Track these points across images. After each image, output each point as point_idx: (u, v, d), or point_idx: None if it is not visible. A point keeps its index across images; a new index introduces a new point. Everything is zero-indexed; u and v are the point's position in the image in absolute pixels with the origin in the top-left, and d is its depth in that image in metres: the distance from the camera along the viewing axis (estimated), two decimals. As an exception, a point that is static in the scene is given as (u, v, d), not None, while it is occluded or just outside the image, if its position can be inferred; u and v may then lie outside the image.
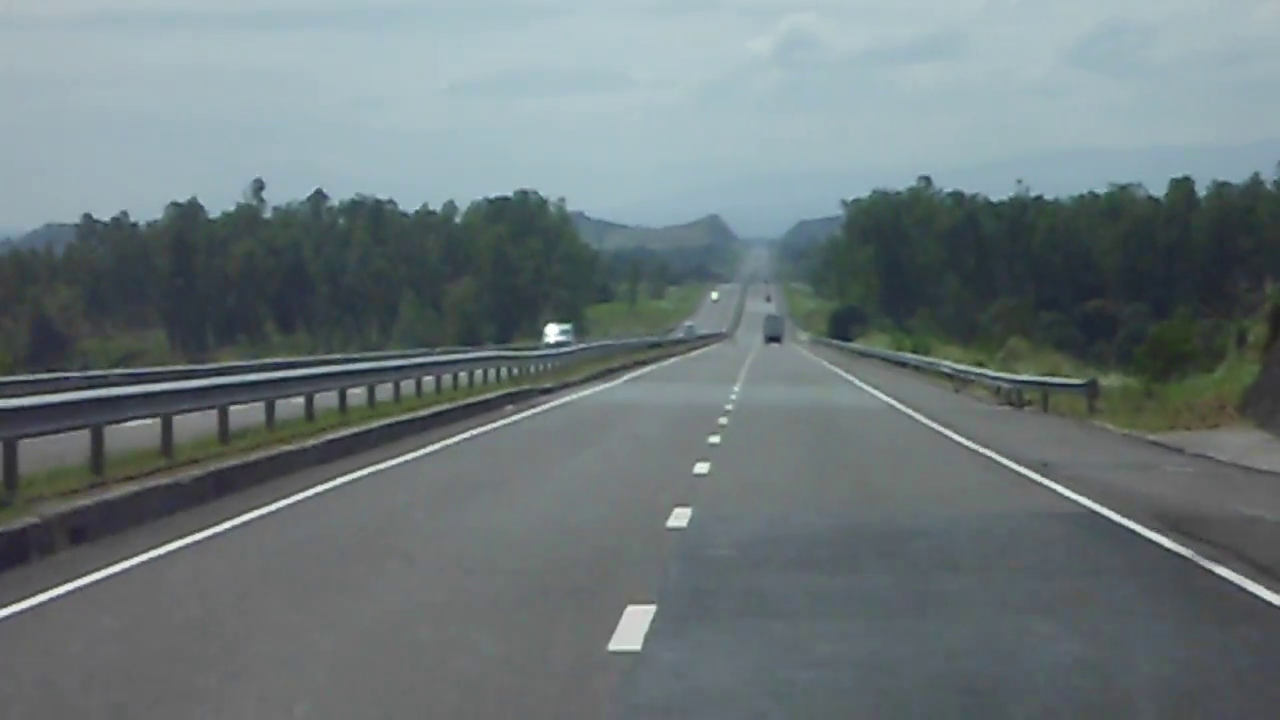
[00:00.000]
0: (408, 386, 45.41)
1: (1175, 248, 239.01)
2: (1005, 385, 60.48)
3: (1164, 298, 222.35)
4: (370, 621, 14.33)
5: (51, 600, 15.32)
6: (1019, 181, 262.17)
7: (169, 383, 28.04)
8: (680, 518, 21.50)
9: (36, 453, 22.03)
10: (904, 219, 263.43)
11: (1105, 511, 22.97)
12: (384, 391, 42.48)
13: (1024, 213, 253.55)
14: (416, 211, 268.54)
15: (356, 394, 39.38)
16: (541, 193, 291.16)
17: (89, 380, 38.87)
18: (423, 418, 39.58)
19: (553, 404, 53.58)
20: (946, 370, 79.44)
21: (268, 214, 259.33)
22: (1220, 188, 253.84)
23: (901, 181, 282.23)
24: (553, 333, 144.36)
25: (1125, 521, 21.78)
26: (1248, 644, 13.63)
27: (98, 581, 16.43)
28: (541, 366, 72.50)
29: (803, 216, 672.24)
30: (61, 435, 22.30)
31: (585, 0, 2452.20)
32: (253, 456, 26.50)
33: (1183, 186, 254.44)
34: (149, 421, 25.46)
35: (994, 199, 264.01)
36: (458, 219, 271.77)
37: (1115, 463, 32.54)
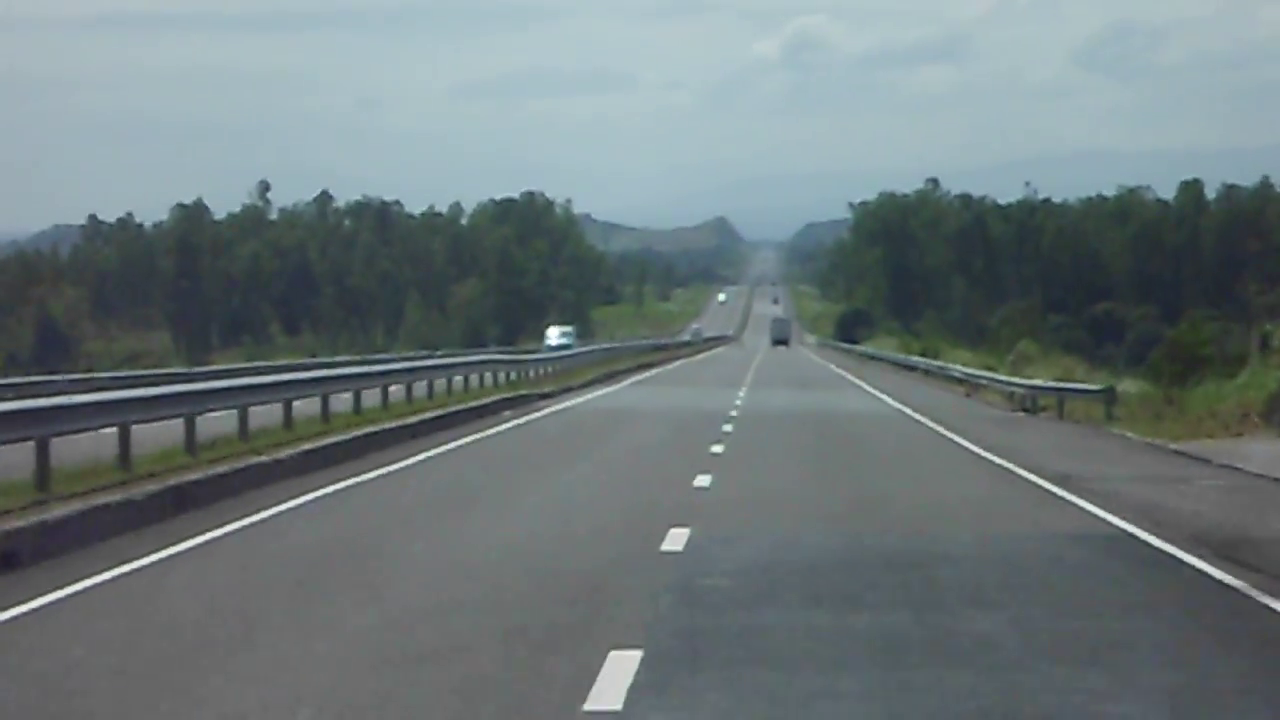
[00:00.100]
0: (400, 392, 43.71)
1: (1184, 250, 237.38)
2: (1019, 390, 58.53)
3: (1173, 301, 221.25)
4: (309, 670, 12.44)
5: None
6: (1027, 184, 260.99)
7: (128, 389, 26.09)
8: (676, 540, 19.70)
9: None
10: (911, 221, 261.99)
11: (1140, 533, 21.15)
12: (375, 398, 40.71)
13: (1032, 215, 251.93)
14: (422, 213, 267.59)
15: (344, 400, 37.65)
16: (548, 194, 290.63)
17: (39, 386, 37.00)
18: (411, 425, 37.76)
19: (551, 410, 51.72)
20: (957, 375, 77.56)
21: (273, 215, 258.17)
22: (1229, 190, 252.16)
23: (909, 184, 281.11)
24: (554, 335, 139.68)
25: (1164, 545, 19.94)
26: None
27: (15, 619, 14.61)
28: (542, 370, 70.56)
29: (810, 219, 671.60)
30: (6, 448, 20.58)
31: (592, 1, 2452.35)
32: (219, 469, 24.67)
33: (1192, 189, 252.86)
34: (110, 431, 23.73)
35: (1002, 201, 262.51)
36: (464, 220, 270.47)
37: (1140, 475, 30.71)
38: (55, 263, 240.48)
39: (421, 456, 32.24)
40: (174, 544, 19.14)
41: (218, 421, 28.85)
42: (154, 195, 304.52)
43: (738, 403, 56.98)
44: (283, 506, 23.14)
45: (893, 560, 18.37)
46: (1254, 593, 16.33)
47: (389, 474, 28.52)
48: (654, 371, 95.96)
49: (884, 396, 65.56)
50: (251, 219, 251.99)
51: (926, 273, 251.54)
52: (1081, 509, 24.23)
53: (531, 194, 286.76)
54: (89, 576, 16.68)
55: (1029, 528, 22.08)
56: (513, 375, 62.81)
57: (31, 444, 20.86)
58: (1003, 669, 12.48)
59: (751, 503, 24.49)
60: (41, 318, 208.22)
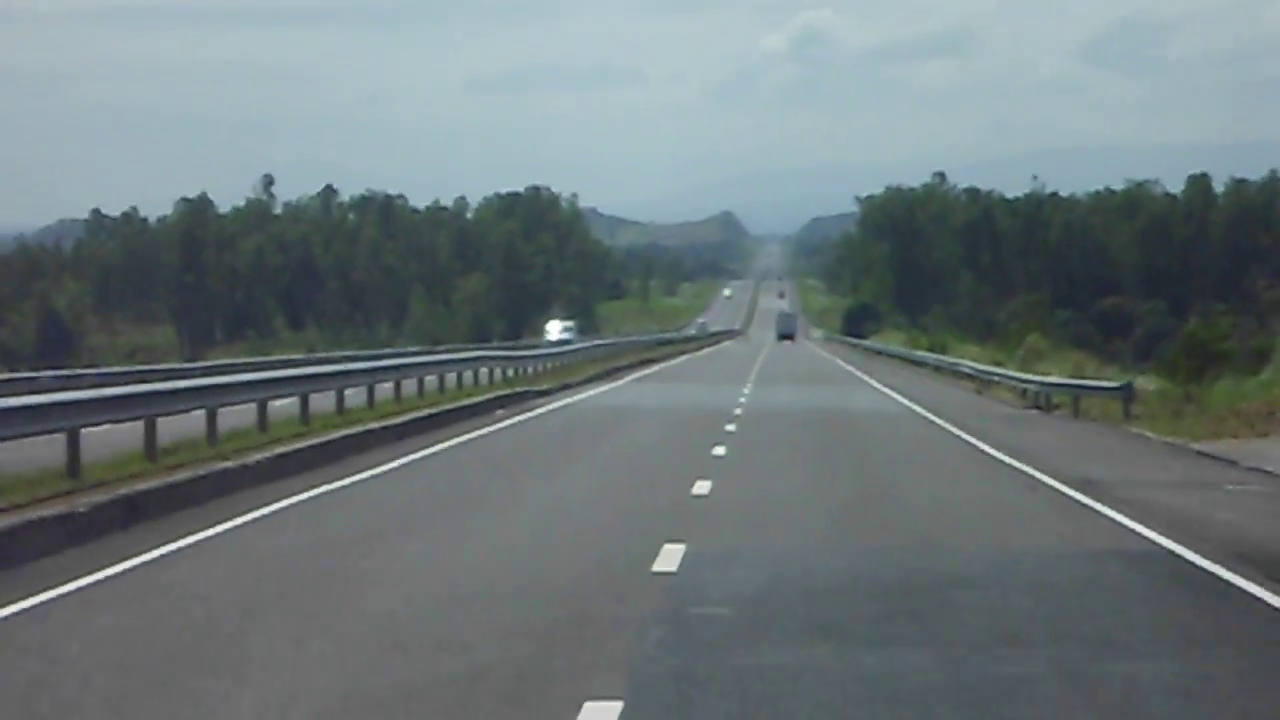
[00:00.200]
0: (391, 390, 41.76)
1: (1192, 244, 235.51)
2: (1033, 387, 56.52)
3: (1181, 295, 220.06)
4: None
5: None
6: (1035, 178, 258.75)
7: (81, 390, 24.16)
8: (670, 558, 17.80)
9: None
10: (918, 215, 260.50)
11: (1178, 549, 19.24)
12: (363, 397, 38.83)
13: (1040, 209, 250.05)
14: (427, 207, 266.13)
15: (331, 399, 35.82)
16: (553, 189, 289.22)
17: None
18: (397, 425, 35.79)
19: (548, 408, 49.78)
20: (967, 371, 75.57)
21: (278, 209, 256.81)
22: (1238, 184, 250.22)
23: (915, 178, 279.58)
24: (555, 329, 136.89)
25: (1207, 564, 18.00)
26: None
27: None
28: (541, 366, 68.55)
29: (816, 213, 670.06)
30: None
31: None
32: (178, 476, 22.75)
33: (1200, 183, 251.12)
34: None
35: (1009, 195, 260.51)
36: (469, 215, 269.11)
37: (1168, 480, 28.84)
38: (59, 257, 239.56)
39: (401, 461, 30.28)
40: (109, 565, 17.17)
41: (187, 423, 26.90)
42: (159, 189, 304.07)
43: (742, 400, 55.13)
44: (242, 519, 21.22)
45: (908, 583, 16.46)
46: (1319, 624, 14.46)
47: (361, 482, 26.47)
48: (657, 367, 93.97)
49: (892, 393, 63.65)
50: (255, 213, 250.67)
51: (933, 267, 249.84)
52: (1110, 520, 22.37)
53: (537, 188, 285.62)
54: (5, 605, 14.81)
55: (1056, 542, 20.17)
56: (509, 372, 60.74)
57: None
58: (1045, 727, 10.60)
59: (753, 513, 22.61)
60: (44, 312, 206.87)
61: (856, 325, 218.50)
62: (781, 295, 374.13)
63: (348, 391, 37.74)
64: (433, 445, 33.81)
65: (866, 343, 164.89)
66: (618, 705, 10.95)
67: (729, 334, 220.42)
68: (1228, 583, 16.91)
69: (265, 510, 22.22)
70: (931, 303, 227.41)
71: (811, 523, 21.69)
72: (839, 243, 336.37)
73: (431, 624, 14.21)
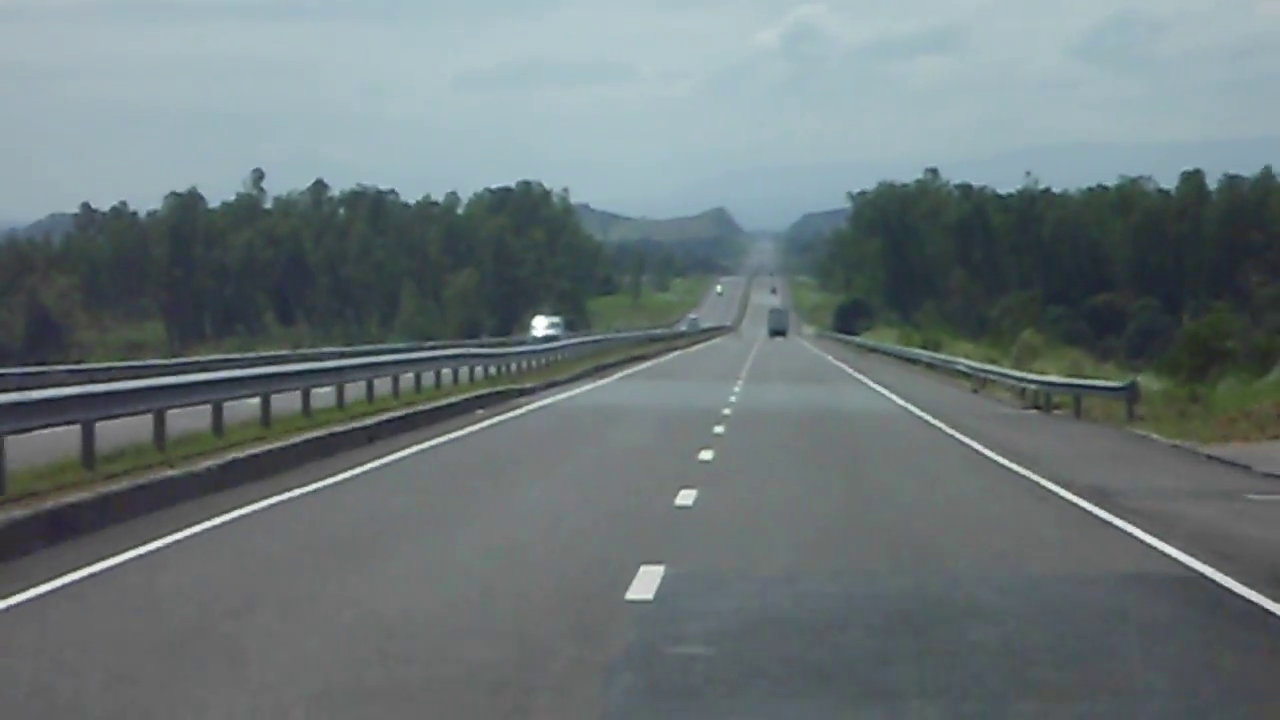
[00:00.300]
0: (368, 389, 39.71)
1: (1186, 241, 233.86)
2: (1032, 387, 54.65)
3: (1174, 292, 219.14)
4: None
5: None
6: (1028, 174, 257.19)
7: (8, 393, 22.16)
8: (647, 583, 15.95)
9: None
10: (911, 212, 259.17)
11: (1209, 572, 17.38)
12: (346, 396, 36.95)
13: (1032, 205, 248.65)
14: (418, 202, 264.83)
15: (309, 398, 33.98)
16: (545, 184, 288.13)
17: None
18: (367, 427, 33.77)
19: (530, 407, 47.84)
20: (963, 369, 73.73)
21: (268, 204, 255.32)
22: (1231, 181, 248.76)
23: (908, 175, 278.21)
24: (541, 325, 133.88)
25: (1245, 591, 16.12)
26: None
27: None
28: (526, 364, 66.57)
29: (808, 209, 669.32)
30: None
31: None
32: (113, 487, 20.78)
33: (1193, 179, 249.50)
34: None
35: (1002, 192, 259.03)
36: (460, 210, 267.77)
37: (1182, 488, 27.06)
38: (47, 251, 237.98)
39: (367, 466, 28.34)
40: (13, 594, 15.21)
41: (134, 427, 25.00)
42: (150, 184, 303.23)
43: (732, 399, 53.38)
44: (177, 536, 19.22)
45: (911, 615, 14.59)
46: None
47: (319, 490, 24.47)
48: (647, 364, 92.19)
49: (886, 392, 61.88)
50: (246, 208, 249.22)
51: (925, 263, 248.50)
52: (1127, 535, 20.56)
53: (528, 183, 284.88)
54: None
55: (1074, 564, 18.23)
56: (492, 369, 58.72)
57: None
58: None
59: (740, 528, 20.76)
60: (33, 307, 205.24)
61: (848, 322, 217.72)
62: (774, 291, 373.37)
63: (322, 391, 35.99)
64: (402, 449, 31.88)
65: (859, 339, 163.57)
66: (571, 779, 9.18)
67: (720, 330, 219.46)
68: (1268, 612, 15.09)
69: (210, 523, 20.32)
70: (923, 299, 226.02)
71: (803, 540, 19.84)
72: (831, 239, 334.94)
73: (357, 671, 12.28)
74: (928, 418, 45.57)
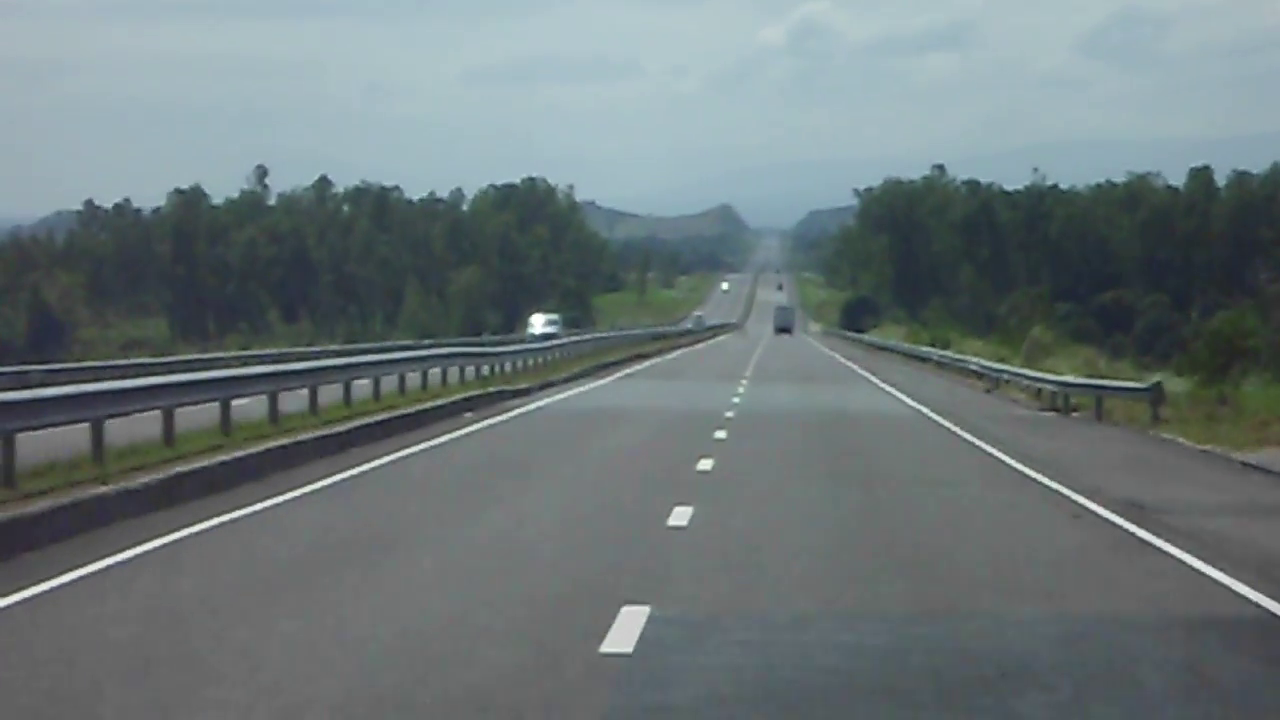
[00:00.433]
0: (345, 391, 37.19)
1: (1194, 238, 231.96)
2: (1049, 387, 52.68)
3: (1183, 288, 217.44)
4: None
5: None
6: (1035, 170, 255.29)
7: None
8: (628, 629, 13.63)
9: None
10: (918, 208, 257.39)
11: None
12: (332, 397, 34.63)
13: (1040, 202, 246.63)
14: (422, 199, 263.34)
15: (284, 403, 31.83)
16: (550, 180, 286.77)
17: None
18: (340, 434, 31.34)
19: (523, 409, 45.58)
20: (974, 368, 71.82)
21: (272, 201, 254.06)
22: (1240, 177, 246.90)
23: (914, 172, 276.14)
24: (539, 323, 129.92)
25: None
26: None
27: None
28: (521, 363, 64.36)
29: (815, 206, 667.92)
30: None
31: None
32: (34, 507, 18.50)
33: (1202, 175, 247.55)
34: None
35: (1009, 188, 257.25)
36: (464, 207, 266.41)
37: (1224, 502, 24.83)
38: (51, 248, 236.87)
39: (334, 479, 25.75)
40: None
41: (69, 437, 22.60)
42: (154, 181, 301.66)
43: (736, 400, 51.42)
44: (106, 561, 16.88)
45: (941, 675, 12.19)
46: None
47: (273, 508, 21.95)
48: (649, 363, 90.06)
49: (897, 393, 60.00)
50: (249, 204, 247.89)
51: (932, 260, 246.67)
52: (1179, 563, 18.20)
53: (533, 180, 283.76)
54: None
55: (1124, 602, 15.81)
56: (485, 369, 56.54)
57: None
58: None
59: (739, 556, 18.35)
60: (36, 304, 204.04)
61: (855, 319, 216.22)
62: (780, 288, 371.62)
63: (302, 394, 33.77)
64: (373, 460, 29.38)
65: (866, 337, 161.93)
66: None
67: (726, 328, 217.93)
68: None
69: (146, 546, 17.96)
70: (931, 296, 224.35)
71: (812, 571, 17.36)
72: (838, 236, 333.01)
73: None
74: (942, 420, 43.57)
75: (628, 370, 78.39)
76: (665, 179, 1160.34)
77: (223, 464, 24.48)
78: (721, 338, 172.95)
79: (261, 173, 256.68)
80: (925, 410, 48.45)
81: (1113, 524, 21.81)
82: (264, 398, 31.20)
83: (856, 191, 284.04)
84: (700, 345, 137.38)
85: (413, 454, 31.09)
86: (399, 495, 24.48)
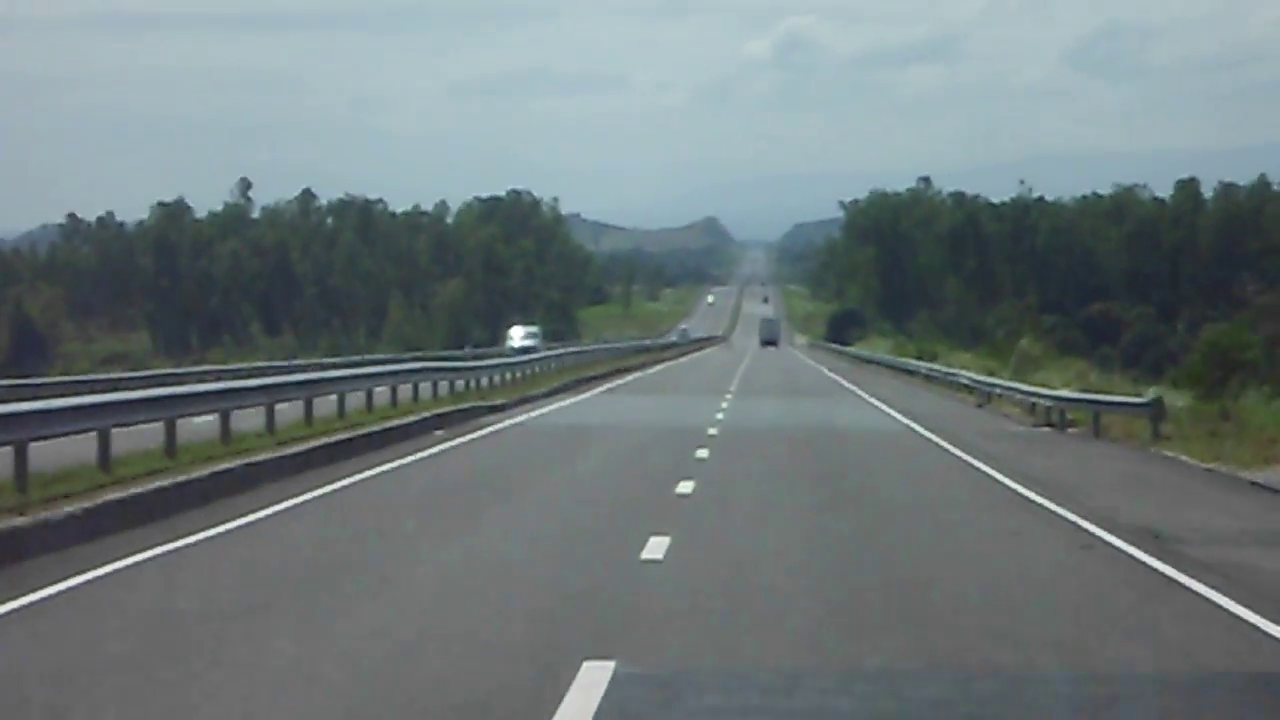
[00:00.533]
0: (306, 409, 35.20)
1: (1181, 249, 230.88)
2: (1044, 402, 50.76)
3: (1169, 300, 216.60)
4: None
5: None
6: (1021, 182, 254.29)
7: None
8: (587, 694, 11.60)
9: None
10: (903, 220, 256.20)
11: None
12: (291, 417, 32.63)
13: (1026, 214, 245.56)
14: (406, 212, 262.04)
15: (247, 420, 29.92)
16: (535, 193, 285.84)
17: None
18: (298, 455, 29.29)
19: (497, 427, 43.62)
20: (965, 381, 69.87)
21: (255, 214, 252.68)
22: (1227, 189, 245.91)
23: (900, 184, 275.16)
24: (517, 336, 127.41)
25: None
26: None
27: None
28: (499, 378, 62.39)
29: (800, 219, 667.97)
30: None
31: (583, 2, 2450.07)
32: None
33: (1188, 188, 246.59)
34: None
35: (995, 200, 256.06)
36: (449, 219, 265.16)
37: (1245, 529, 22.96)
38: (34, 262, 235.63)
39: (268, 512, 23.24)
40: None
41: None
42: (138, 194, 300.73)
43: (719, 416, 49.48)
44: None
45: None
46: None
47: (187, 548, 19.50)
48: (632, 377, 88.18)
49: (885, 407, 58.15)
50: (232, 217, 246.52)
51: (919, 272, 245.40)
52: (1215, 607, 16.14)
53: (518, 192, 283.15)
54: None
55: (1160, 655, 13.73)
56: (459, 385, 54.51)
57: None
58: None
59: (719, 598, 16.27)
60: (17, 318, 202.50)
61: (841, 331, 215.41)
62: (765, 301, 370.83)
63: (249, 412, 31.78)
64: (332, 482, 27.31)
65: (852, 349, 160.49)
66: None
67: (711, 340, 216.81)
68: None
69: (28, 599, 15.70)
70: (917, 309, 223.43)
71: (802, 617, 15.31)
72: (823, 248, 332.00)
73: None
74: (934, 437, 41.67)
75: (610, 385, 76.50)
76: (651, 192, 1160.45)
77: (160, 490, 22.40)
78: (707, 350, 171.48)
79: (245, 185, 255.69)
80: (916, 426, 46.55)
81: (1129, 556, 19.91)
82: (215, 417, 29.12)
83: (842, 204, 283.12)
84: (685, 358, 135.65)
85: (370, 477, 29.05)
86: (344, 525, 22.38)
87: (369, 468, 30.39)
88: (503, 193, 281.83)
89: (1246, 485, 30.06)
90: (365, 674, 12.57)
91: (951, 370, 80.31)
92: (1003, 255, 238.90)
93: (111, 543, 19.39)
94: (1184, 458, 35.60)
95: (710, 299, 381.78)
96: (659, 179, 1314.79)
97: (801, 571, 18.38)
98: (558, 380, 70.39)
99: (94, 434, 23.54)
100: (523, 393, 58.94)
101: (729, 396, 64.21)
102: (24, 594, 15.85)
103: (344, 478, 28.40)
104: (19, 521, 18.55)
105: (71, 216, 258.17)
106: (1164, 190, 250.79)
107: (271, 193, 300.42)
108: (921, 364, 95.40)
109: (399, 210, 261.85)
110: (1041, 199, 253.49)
